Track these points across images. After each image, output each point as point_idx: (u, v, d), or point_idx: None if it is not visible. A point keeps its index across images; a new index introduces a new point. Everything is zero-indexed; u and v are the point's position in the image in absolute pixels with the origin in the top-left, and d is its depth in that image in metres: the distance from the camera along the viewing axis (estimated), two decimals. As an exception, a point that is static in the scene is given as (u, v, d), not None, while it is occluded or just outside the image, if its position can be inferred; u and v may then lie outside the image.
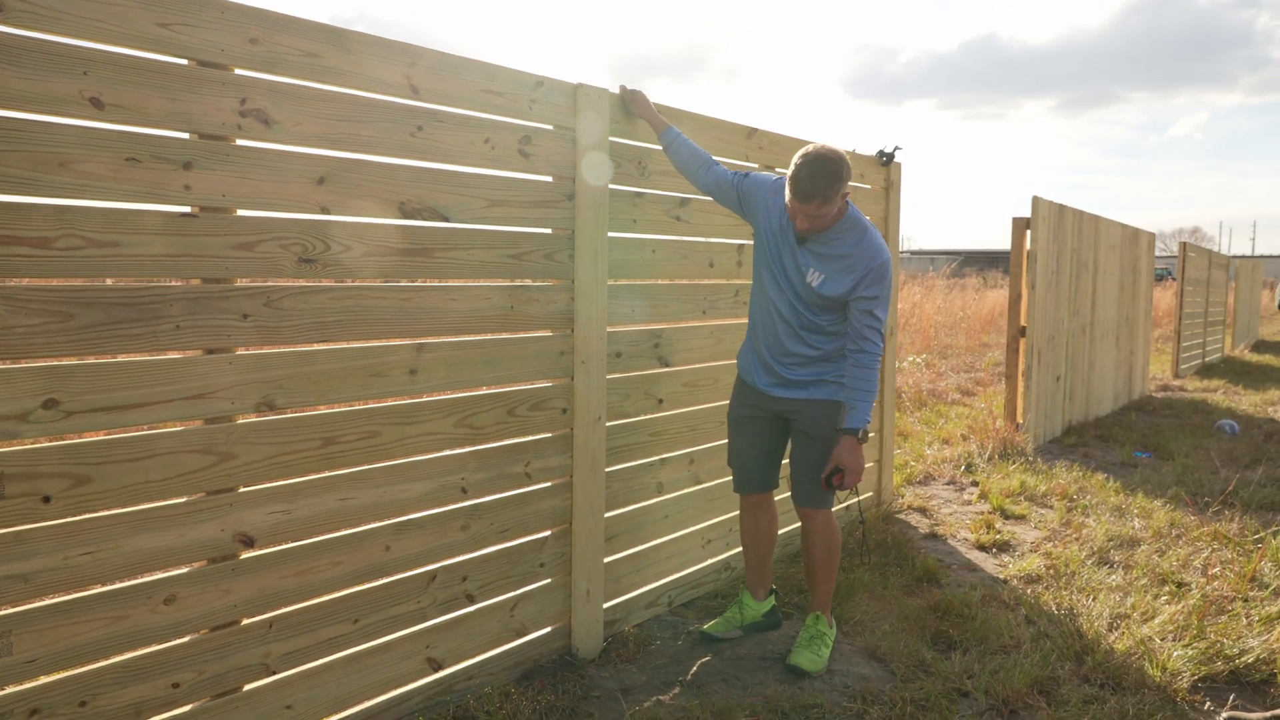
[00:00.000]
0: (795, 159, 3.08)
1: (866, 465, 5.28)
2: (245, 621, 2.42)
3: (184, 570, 2.29)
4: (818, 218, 3.12)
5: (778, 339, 3.37)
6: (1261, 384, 12.15)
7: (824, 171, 3.03)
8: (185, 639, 2.30)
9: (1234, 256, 28.33)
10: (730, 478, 4.12)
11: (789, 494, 3.97)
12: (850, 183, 4.88)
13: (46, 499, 2.03)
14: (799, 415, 3.38)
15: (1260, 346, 19.59)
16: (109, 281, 2.11)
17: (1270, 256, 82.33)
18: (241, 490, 2.38)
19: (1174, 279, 17.48)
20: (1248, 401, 10.47)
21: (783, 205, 3.30)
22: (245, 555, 2.40)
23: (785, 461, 3.66)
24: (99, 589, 2.14)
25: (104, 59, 2.06)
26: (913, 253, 66.65)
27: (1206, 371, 13.90)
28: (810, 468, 3.34)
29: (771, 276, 3.36)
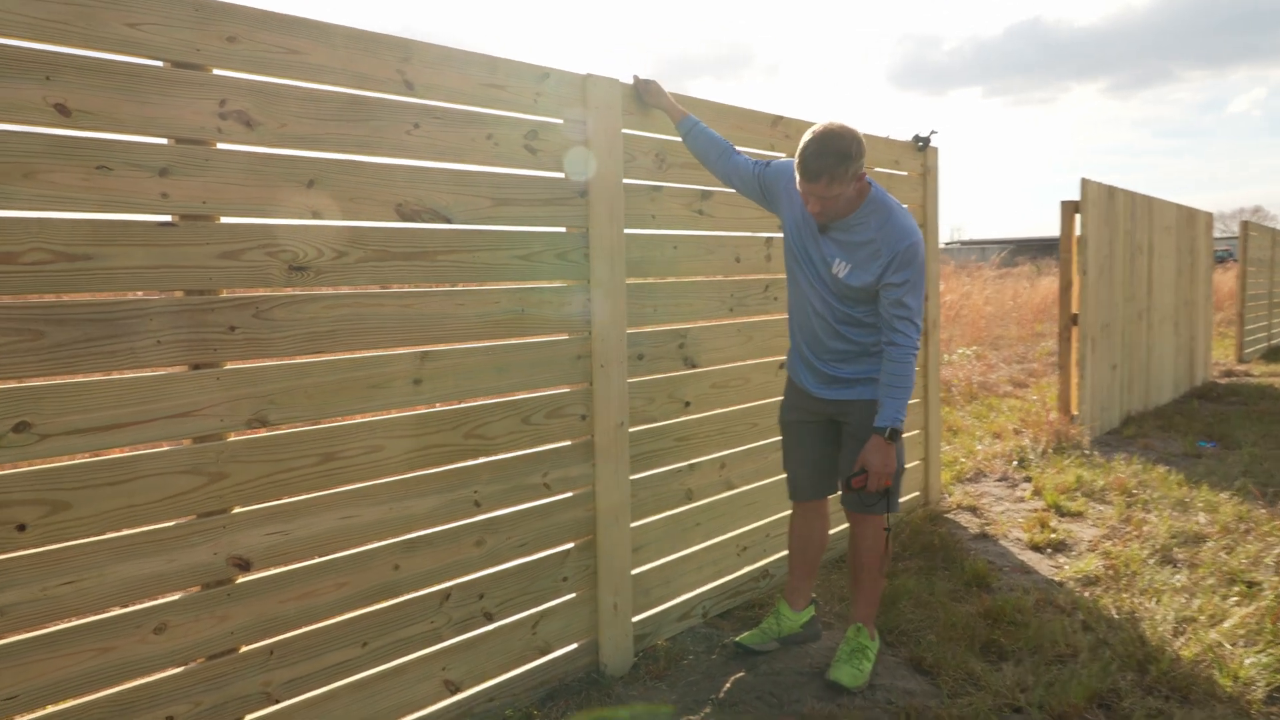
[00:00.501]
0: (804, 136, 2.91)
1: (912, 464, 5.06)
2: (244, 649, 2.30)
3: (175, 597, 2.18)
4: (828, 200, 2.93)
5: (816, 336, 3.20)
6: (1333, 366, 11.62)
7: (830, 149, 2.84)
8: (179, 669, 2.19)
9: (1299, 235, 27.23)
10: (765, 481, 3.95)
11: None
12: (885, 169, 4.72)
13: (21, 527, 1.94)
14: (848, 416, 3.21)
15: (1330, 327, 18.82)
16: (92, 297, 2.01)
17: (1337, 234, 79.38)
18: (235, 511, 2.27)
19: (1236, 260, 16.87)
20: (1319, 385, 10.00)
21: None
22: (241, 579, 2.29)
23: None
24: (84, 619, 2.04)
25: (69, 63, 1.96)
26: (963, 243, 65.56)
27: (1273, 355, 13.38)
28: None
29: (801, 270, 3.20)
